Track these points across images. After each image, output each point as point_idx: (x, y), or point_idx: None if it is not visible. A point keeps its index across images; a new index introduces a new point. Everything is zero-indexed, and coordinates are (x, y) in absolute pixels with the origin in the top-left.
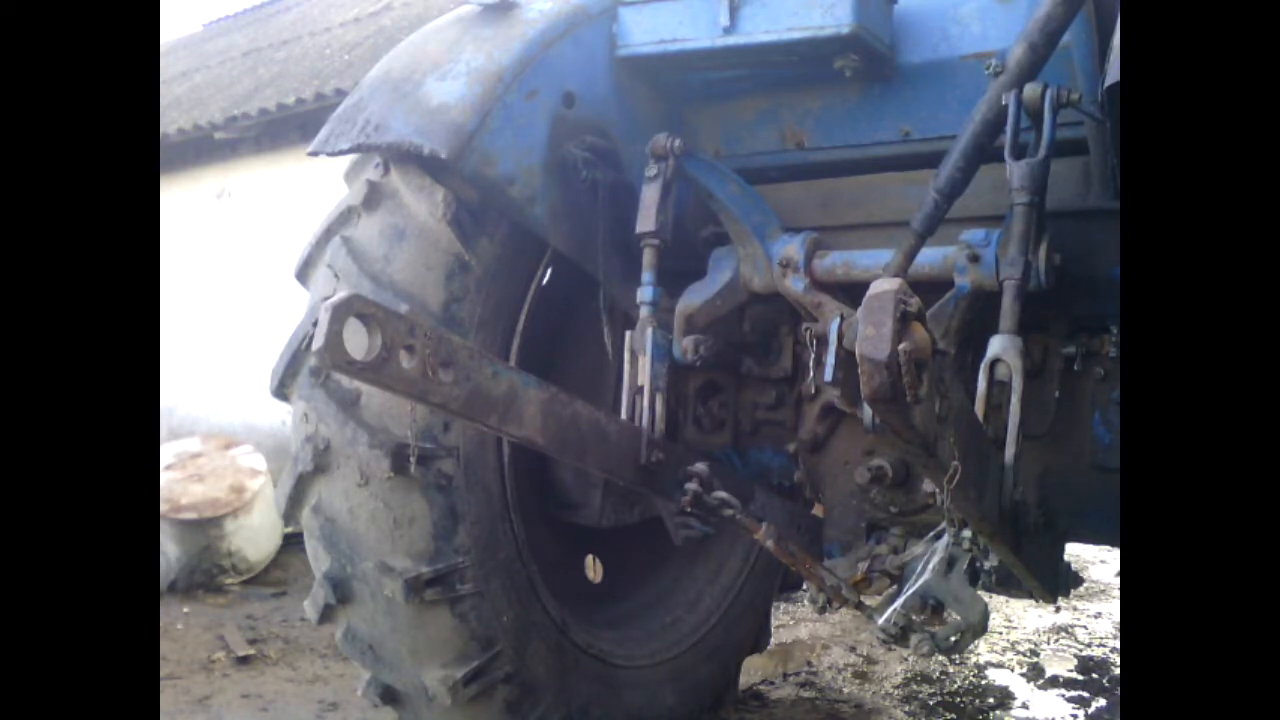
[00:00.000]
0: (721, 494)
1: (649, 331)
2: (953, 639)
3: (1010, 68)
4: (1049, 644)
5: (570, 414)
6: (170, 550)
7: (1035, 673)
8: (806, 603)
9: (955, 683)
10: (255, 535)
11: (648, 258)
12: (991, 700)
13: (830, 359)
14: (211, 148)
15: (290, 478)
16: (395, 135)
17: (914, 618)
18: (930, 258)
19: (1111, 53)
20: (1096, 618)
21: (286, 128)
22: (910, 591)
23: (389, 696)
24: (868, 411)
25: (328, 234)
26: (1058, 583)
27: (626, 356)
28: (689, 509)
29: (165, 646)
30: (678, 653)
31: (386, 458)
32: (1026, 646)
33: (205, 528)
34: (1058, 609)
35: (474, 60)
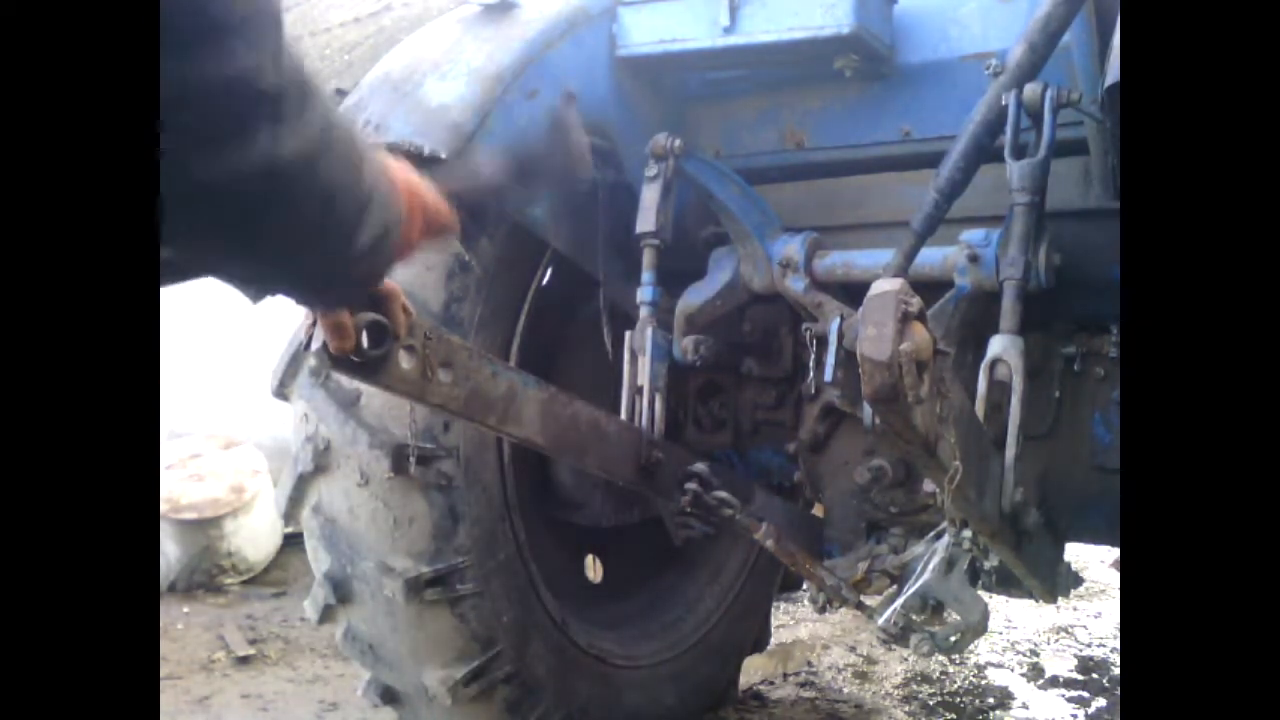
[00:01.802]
0: (721, 494)
1: (649, 332)
2: (953, 639)
3: (1010, 68)
4: (1049, 644)
5: (570, 414)
6: (170, 550)
7: (1035, 673)
8: (806, 603)
9: (955, 683)
10: (255, 535)
11: (648, 258)
12: (991, 700)
13: (830, 359)
14: None
15: (290, 478)
16: (395, 135)
17: (914, 618)
18: (930, 258)
19: (1111, 53)
20: (1096, 618)
21: None
22: (910, 591)
23: (389, 696)
24: (868, 411)
25: None
26: (1058, 583)
27: (626, 356)
28: (689, 509)
29: (165, 646)
30: (678, 653)
31: (386, 458)
32: (1026, 646)
33: (205, 528)
34: (1058, 609)
35: (474, 60)
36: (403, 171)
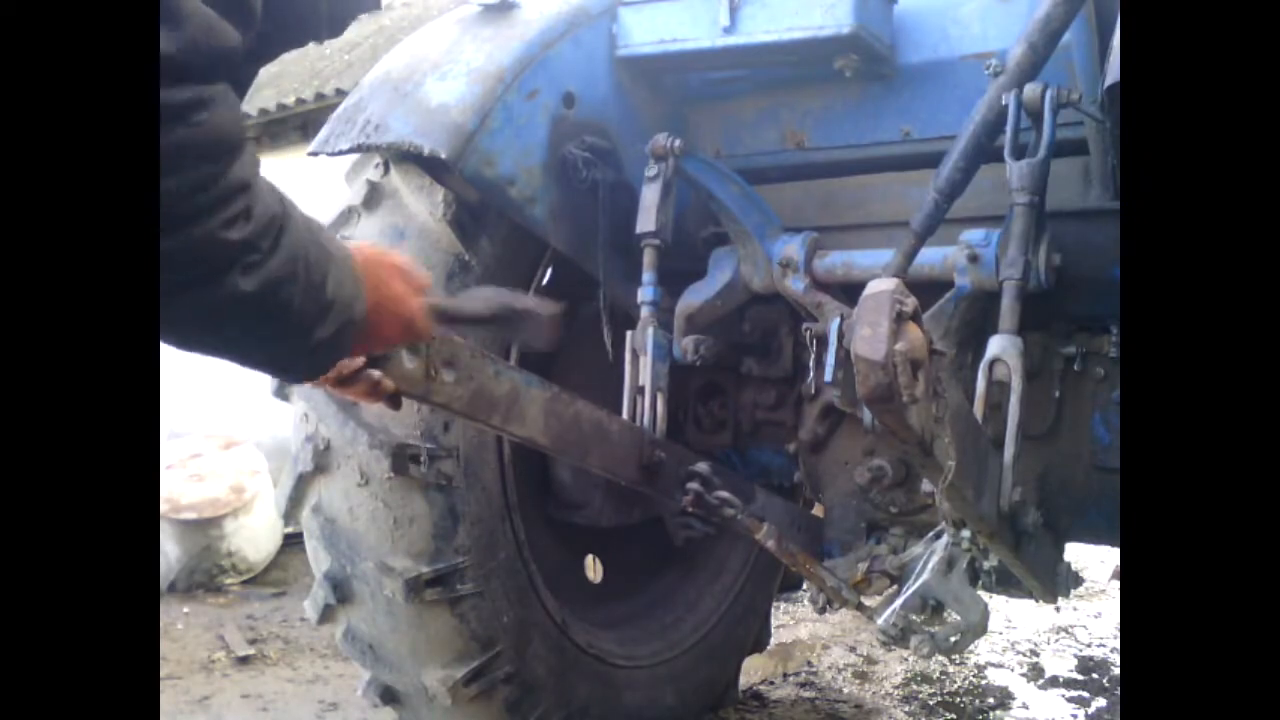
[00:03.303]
0: (723, 493)
1: (649, 331)
2: (953, 639)
3: (1010, 68)
4: (1049, 644)
5: (572, 414)
6: (170, 550)
7: (1035, 673)
8: (806, 603)
9: (955, 683)
10: (255, 535)
11: (648, 258)
12: (991, 700)
13: (830, 359)
14: None
15: (290, 478)
16: (395, 135)
17: (914, 618)
18: (930, 258)
19: (1111, 53)
20: (1096, 618)
21: (286, 128)
22: (910, 592)
23: (389, 696)
24: (868, 411)
25: None
26: (1058, 583)
27: (627, 356)
28: (691, 509)
29: (165, 646)
30: (678, 653)
31: (386, 458)
32: (1026, 646)
33: (205, 528)
34: (1058, 609)
35: (474, 60)
36: (384, 283)
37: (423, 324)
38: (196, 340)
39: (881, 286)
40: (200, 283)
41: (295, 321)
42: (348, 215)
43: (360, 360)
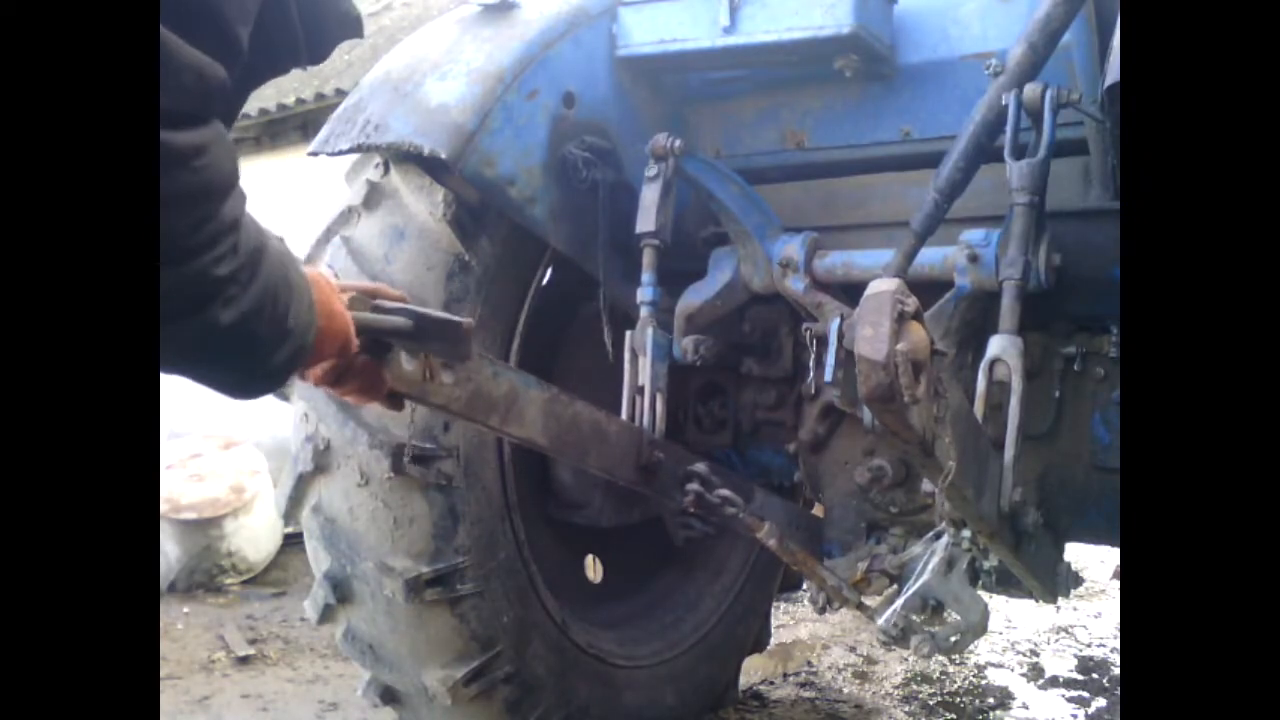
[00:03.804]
0: (724, 492)
1: (649, 331)
2: (953, 639)
3: (1010, 68)
4: (1049, 644)
5: (571, 415)
6: (170, 550)
7: (1035, 673)
8: (806, 603)
9: (955, 683)
10: (255, 535)
11: (648, 258)
12: (991, 700)
13: (830, 359)
14: None
15: (290, 478)
16: (395, 135)
17: (914, 618)
18: (930, 258)
19: (1111, 53)
20: (1096, 618)
21: (286, 128)
22: (910, 592)
23: (389, 696)
24: (868, 411)
25: (328, 234)
26: (1058, 583)
27: (627, 356)
28: (692, 509)
29: (165, 646)
30: (678, 653)
31: (386, 458)
32: (1026, 646)
33: (205, 528)
34: (1058, 609)
35: (474, 60)
36: (327, 301)
37: (352, 338)
38: (169, 367)
39: (883, 286)
40: (184, 314)
41: (258, 350)
42: (348, 215)
43: (354, 358)
